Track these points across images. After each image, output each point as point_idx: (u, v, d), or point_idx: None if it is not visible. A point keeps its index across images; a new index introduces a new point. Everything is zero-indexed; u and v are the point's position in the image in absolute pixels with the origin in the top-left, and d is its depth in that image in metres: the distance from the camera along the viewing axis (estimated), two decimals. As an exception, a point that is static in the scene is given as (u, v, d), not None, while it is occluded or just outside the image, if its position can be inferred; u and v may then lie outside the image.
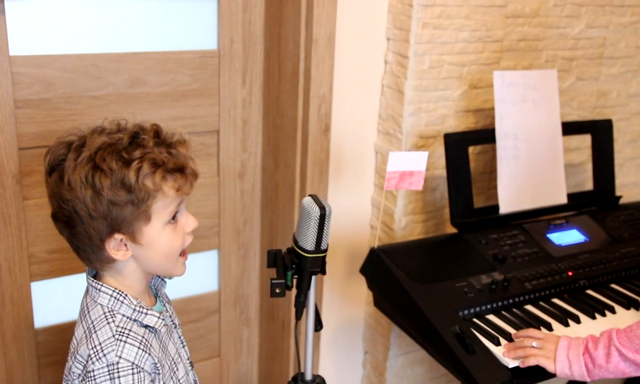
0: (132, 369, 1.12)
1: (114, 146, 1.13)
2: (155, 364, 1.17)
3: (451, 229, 1.87)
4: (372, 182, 1.99)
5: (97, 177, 1.11)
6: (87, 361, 1.13)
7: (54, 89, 1.66)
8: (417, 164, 1.63)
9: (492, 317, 1.60)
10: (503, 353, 1.47)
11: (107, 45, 1.71)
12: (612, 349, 1.32)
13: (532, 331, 1.49)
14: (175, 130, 1.22)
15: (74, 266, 1.78)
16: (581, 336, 1.43)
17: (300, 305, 1.43)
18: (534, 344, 1.44)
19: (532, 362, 1.42)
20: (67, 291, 1.82)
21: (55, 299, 1.82)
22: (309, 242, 1.34)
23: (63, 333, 1.83)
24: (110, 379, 1.11)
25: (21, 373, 1.80)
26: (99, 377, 1.11)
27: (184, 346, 1.35)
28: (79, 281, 1.78)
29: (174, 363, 1.27)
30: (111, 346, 1.13)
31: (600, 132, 2.05)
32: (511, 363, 1.44)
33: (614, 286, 1.78)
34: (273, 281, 1.37)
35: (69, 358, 1.20)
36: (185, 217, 1.23)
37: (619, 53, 2.17)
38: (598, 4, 2.05)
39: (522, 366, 1.44)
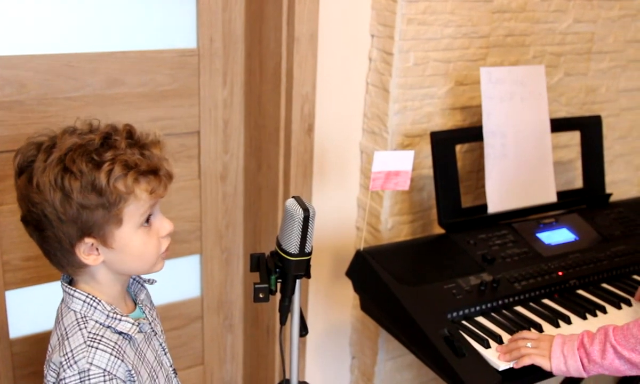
0: (104, 376, 1.12)
1: (85, 147, 1.12)
2: (130, 371, 1.16)
3: (439, 230, 1.88)
4: (357, 182, 1.99)
5: (67, 180, 1.10)
6: (59, 369, 1.13)
7: (27, 90, 1.64)
8: (403, 164, 1.63)
9: (481, 319, 1.61)
10: (498, 356, 1.47)
11: (83, 45, 1.70)
12: (608, 346, 1.33)
13: (525, 333, 1.50)
14: (149, 130, 1.21)
15: (50, 274, 1.77)
16: (568, 334, 1.43)
17: (285, 310, 1.42)
18: (529, 344, 1.45)
19: (527, 362, 1.43)
20: (44, 299, 1.80)
21: (31, 308, 1.80)
22: (292, 245, 1.34)
23: (40, 343, 1.81)
24: None
25: (-3, 385, 1.78)
26: None
27: (165, 354, 1.34)
28: (56, 289, 1.74)
29: (153, 370, 1.26)
30: (82, 352, 1.12)
31: (589, 129, 2.06)
32: (501, 366, 1.44)
33: (605, 285, 1.78)
34: (256, 286, 1.36)
35: (44, 365, 1.19)
36: (160, 220, 1.22)
37: (608, 48, 2.18)
38: (586, -2, 2.07)
39: (516, 366, 1.44)
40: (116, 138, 1.14)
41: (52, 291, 1.76)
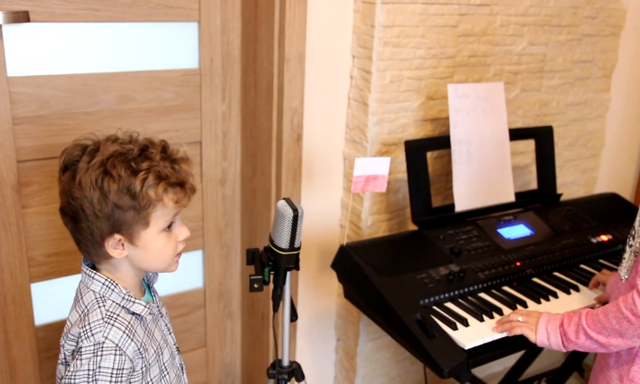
0: (115, 350, 1.13)
1: (125, 155, 1.14)
2: (138, 349, 1.17)
3: (412, 227, 1.88)
4: (341, 185, 2.00)
5: (106, 181, 1.12)
6: (78, 339, 1.14)
7: (49, 106, 1.64)
8: (381, 169, 1.64)
9: (449, 304, 1.61)
10: (492, 328, 1.50)
11: (98, 66, 1.70)
12: (580, 328, 1.35)
13: (517, 311, 1.52)
14: (179, 147, 1.23)
15: (70, 268, 1.76)
16: (554, 313, 1.46)
17: (277, 298, 1.43)
18: (520, 318, 1.47)
19: (517, 332, 1.45)
20: (64, 290, 1.79)
21: (54, 298, 1.79)
22: (283, 241, 1.34)
23: (61, 329, 1.79)
24: (95, 355, 1.12)
25: (23, 367, 1.77)
26: (85, 353, 1.12)
27: (170, 333, 1.35)
28: (75, 281, 1.75)
29: (160, 347, 1.27)
30: (100, 327, 1.14)
31: (542, 138, 2.07)
32: (467, 345, 1.45)
33: (556, 274, 1.80)
34: (252, 277, 1.37)
35: (62, 338, 1.19)
36: (179, 227, 1.24)
37: (558, 67, 2.20)
38: (538, 24, 2.08)
39: (509, 335, 1.47)
40: (152, 151, 1.17)
41: (73, 283, 1.75)
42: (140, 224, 1.15)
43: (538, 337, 1.42)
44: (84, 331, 1.13)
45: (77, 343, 1.14)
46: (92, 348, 1.12)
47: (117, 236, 1.16)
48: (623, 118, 2.49)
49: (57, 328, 1.80)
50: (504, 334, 1.48)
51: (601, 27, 2.24)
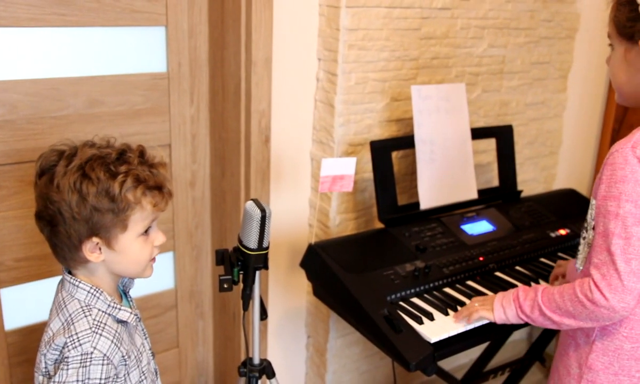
0: (103, 360, 1.11)
1: (103, 158, 1.13)
2: (123, 356, 1.16)
3: (379, 225, 1.89)
4: (308, 185, 2.00)
5: (85, 184, 1.10)
6: (63, 348, 1.12)
7: (17, 111, 1.60)
8: (347, 169, 1.64)
9: (415, 299, 1.62)
10: (453, 320, 1.50)
11: (66, 70, 1.67)
12: (535, 304, 1.36)
13: (474, 299, 1.53)
14: (157, 153, 1.22)
15: (40, 273, 1.73)
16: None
17: (246, 298, 1.42)
18: (476, 304, 1.49)
19: (475, 316, 1.47)
20: (34, 295, 1.76)
21: (24, 303, 1.75)
22: (252, 242, 1.34)
23: (32, 334, 1.77)
24: (82, 366, 1.10)
25: (-7, 372, 1.73)
26: (73, 363, 1.10)
27: (146, 338, 1.33)
28: (46, 286, 1.73)
29: (139, 353, 1.25)
30: (88, 337, 1.12)
31: (503, 136, 2.10)
32: (433, 339, 1.46)
33: (518, 267, 1.82)
34: (221, 277, 1.36)
35: (42, 347, 1.16)
36: (156, 232, 1.23)
37: (517, 69, 2.23)
38: (498, 27, 2.11)
39: (469, 322, 1.48)
40: (130, 155, 1.16)
41: (43, 287, 1.73)
42: (118, 227, 1.14)
43: (496, 314, 1.44)
44: (70, 341, 1.11)
45: (62, 352, 1.11)
46: (79, 357, 1.10)
47: (95, 239, 1.14)
48: (579, 117, 2.54)
49: (27, 333, 1.77)
50: (468, 327, 1.50)
51: (557, 30, 2.28)
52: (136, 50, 1.77)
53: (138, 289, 1.95)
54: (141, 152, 1.18)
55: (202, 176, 1.99)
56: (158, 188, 1.17)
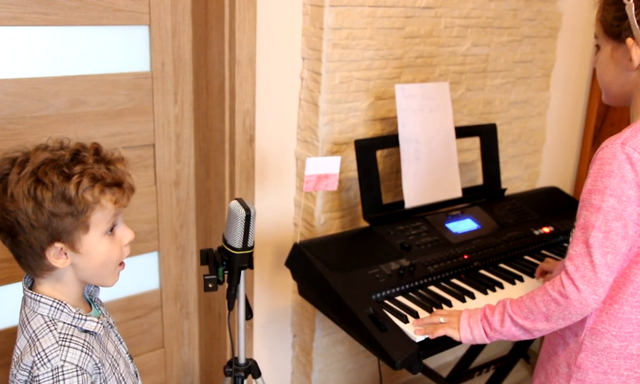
0: (77, 371, 1.08)
1: (56, 161, 1.09)
2: (97, 364, 1.13)
3: (364, 224, 1.88)
4: (293, 185, 1.99)
5: (39, 190, 1.06)
6: (32, 368, 1.07)
7: (-3, 111, 1.58)
8: (332, 168, 1.63)
9: (401, 298, 1.62)
10: (415, 331, 1.47)
11: (47, 70, 1.64)
12: (506, 316, 1.35)
13: (438, 311, 1.51)
14: (115, 148, 1.18)
15: (22, 274, 1.70)
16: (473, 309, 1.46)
17: (232, 297, 1.41)
18: (441, 319, 1.46)
19: (440, 333, 1.43)
20: (14, 297, 1.72)
21: (2, 305, 1.72)
22: (236, 241, 1.32)
23: (12, 336, 1.73)
24: (55, 382, 1.06)
25: (-25, 375, 1.70)
26: (44, 381, 1.06)
27: (121, 343, 1.30)
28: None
29: (114, 359, 1.22)
30: (55, 351, 1.08)
31: (487, 135, 2.10)
32: (418, 338, 1.45)
33: (502, 265, 1.82)
34: (206, 277, 1.35)
35: (12, 366, 1.13)
36: (122, 229, 1.18)
37: (500, 67, 2.24)
38: (481, 26, 2.11)
39: (431, 337, 1.45)
40: (84, 154, 1.12)
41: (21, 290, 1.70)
42: (80, 229, 1.10)
43: (462, 333, 1.41)
44: (38, 359, 1.07)
45: (31, 372, 1.07)
46: (50, 374, 1.06)
47: (58, 245, 1.10)
48: (562, 115, 2.55)
49: (7, 335, 1.74)
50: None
51: (539, 29, 2.29)
52: (119, 50, 1.75)
53: (122, 290, 1.93)
54: (96, 150, 1.14)
55: (187, 176, 1.97)
56: (117, 184, 1.13)
